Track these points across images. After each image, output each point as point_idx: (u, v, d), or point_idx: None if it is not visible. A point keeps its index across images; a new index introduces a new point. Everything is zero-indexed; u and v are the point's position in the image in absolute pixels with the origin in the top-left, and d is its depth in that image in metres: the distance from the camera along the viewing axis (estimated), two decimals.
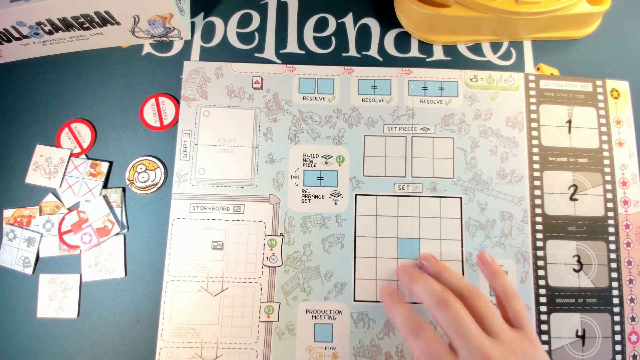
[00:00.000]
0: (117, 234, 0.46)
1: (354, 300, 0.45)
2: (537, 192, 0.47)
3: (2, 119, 0.49)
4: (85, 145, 0.48)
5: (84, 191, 0.47)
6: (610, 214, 0.47)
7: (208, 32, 0.52)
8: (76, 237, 0.45)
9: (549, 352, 0.44)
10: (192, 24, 0.52)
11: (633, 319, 0.45)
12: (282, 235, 0.46)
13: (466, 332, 0.34)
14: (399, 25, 0.51)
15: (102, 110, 0.49)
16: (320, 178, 0.47)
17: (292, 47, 0.51)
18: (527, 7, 0.46)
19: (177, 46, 0.51)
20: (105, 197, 0.46)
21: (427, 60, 0.51)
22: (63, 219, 0.46)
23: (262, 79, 0.50)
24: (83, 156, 0.48)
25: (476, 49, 0.51)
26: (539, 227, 0.46)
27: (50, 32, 0.46)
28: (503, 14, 0.46)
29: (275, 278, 0.45)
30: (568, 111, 0.49)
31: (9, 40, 0.47)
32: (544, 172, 0.48)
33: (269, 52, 0.51)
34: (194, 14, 0.52)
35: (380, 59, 0.51)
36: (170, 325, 0.44)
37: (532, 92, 0.49)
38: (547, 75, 0.50)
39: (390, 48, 0.51)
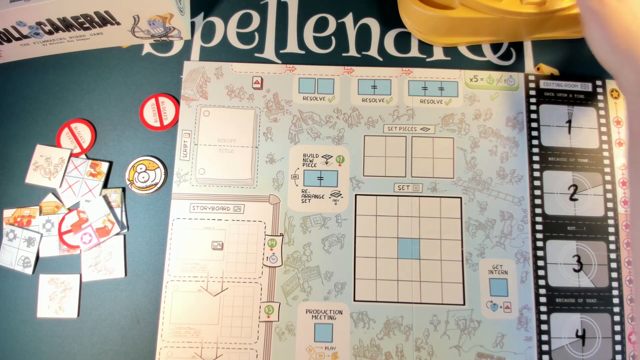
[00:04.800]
0: (117, 234, 0.46)
1: (354, 300, 0.45)
2: (537, 192, 0.47)
3: (2, 119, 0.49)
4: (85, 145, 0.48)
5: (84, 191, 0.47)
6: (610, 214, 0.47)
7: (208, 32, 0.52)
8: (76, 237, 0.45)
9: (549, 352, 0.44)
10: (192, 24, 0.52)
11: (633, 319, 0.45)
12: (282, 235, 0.46)
13: None
14: (399, 25, 0.51)
15: (102, 110, 0.49)
16: (320, 178, 0.47)
17: (292, 47, 0.51)
18: (532, 8, 0.46)
19: (177, 46, 0.51)
20: (105, 197, 0.46)
21: (427, 60, 0.51)
22: (63, 219, 0.46)
23: (262, 79, 0.50)
24: (83, 156, 0.48)
25: (476, 49, 0.51)
26: (539, 227, 0.46)
27: (50, 32, 0.46)
28: (508, 15, 0.46)
29: (275, 278, 0.45)
30: (568, 111, 0.49)
31: (9, 40, 0.47)
32: (544, 172, 0.48)
33: (269, 52, 0.51)
34: (194, 14, 0.52)
35: (380, 59, 0.51)
36: (170, 325, 0.44)
37: (532, 92, 0.49)
38: (547, 75, 0.50)
39: (390, 48, 0.51)
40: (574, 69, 0.51)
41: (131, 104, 0.49)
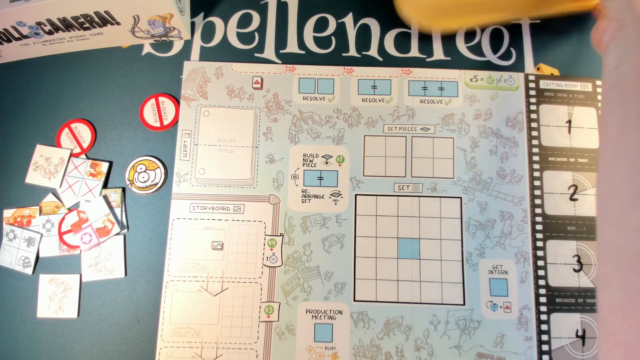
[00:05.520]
0: (117, 234, 0.46)
1: (354, 300, 0.45)
2: (537, 192, 0.47)
3: (2, 119, 0.49)
4: (85, 145, 0.48)
5: (84, 191, 0.47)
6: None
7: (208, 32, 0.52)
8: (76, 237, 0.45)
9: (549, 352, 0.44)
10: (192, 24, 0.52)
11: None
12: (282, 235, 0.46)
13: None
14: (399, 25, 0.51)
15: (102, 110, 0.49)
16: (320, 178, 0.47)
17: (292, 47, 0.51)
18: None
19: (177, 46, 0.51)
20: (105, 197, 0.46)
21: (427, 60, 0.51)
22: (63, 219, 0.46)
23: (262, 79, 0.50)
24: (83, 156, 0.48)
25: (476, 48, 0.51)
26: (539, 227, 0.46)
27: (50, 32, 0.46)
28: None
29: (275, 278, 0.45)
30: (568, 111, 0.49)
31: (9, 40, 0.47)
32: (544, 172, 0.48)
33: (269, 52, 0.51)
34: (194, 14, 0.52)
35: (380, 59, 0.51)
36: (170, 325, 0.44)
37: (532, 92, 0.49)
38: (547, 75, 0.50)
39: (390, 48, 0.51)
40: (574, 69, 0.51)
41: (131, 104, 0.49)
